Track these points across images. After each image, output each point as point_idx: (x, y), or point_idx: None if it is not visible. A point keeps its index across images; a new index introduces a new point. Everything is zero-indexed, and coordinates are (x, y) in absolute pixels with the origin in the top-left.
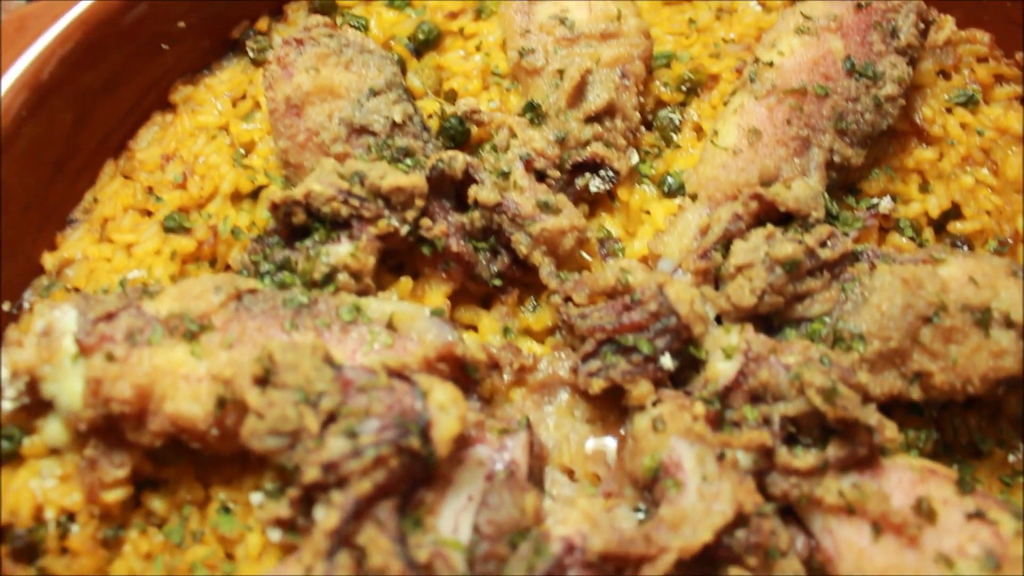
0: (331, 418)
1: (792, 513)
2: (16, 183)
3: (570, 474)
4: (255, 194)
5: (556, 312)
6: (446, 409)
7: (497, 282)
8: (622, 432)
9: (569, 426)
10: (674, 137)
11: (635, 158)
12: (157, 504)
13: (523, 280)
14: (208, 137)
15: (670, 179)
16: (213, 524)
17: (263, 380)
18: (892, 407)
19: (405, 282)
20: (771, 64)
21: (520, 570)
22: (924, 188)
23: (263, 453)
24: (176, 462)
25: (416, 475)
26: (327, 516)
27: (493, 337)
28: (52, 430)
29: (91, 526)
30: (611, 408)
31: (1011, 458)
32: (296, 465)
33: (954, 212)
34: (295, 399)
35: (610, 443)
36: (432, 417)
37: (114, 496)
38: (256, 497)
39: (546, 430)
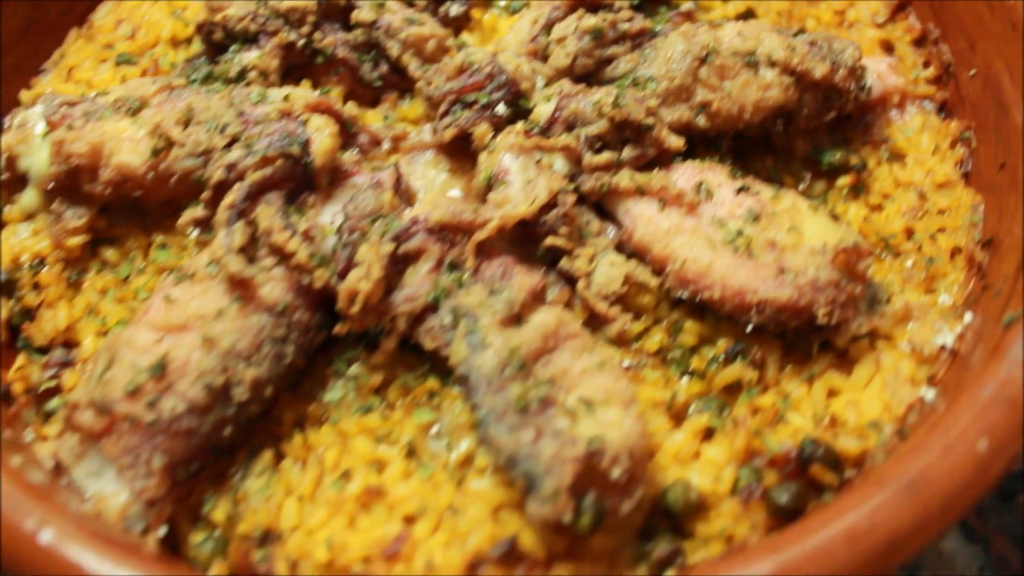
0: (233, 141)
1: (604, 214)
2: None
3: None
4: (189, 41)
5: (420, 93)
6: (321, 130)
7: (379, 83)
8: (475, 172)
9: (433, 175)
10: None
11: None
12: (110, 254)
13: (400, 85)
14: (152, 3)
15: (515, 2)
16: (152, 259)
17: (185, 123)
18: (695, 147)
19: (305, 84)
20: None
21: (375, 236)
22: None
23: (184, 175)
24: (126, 223)
25: (299, 179)
26: (228, 196)
27: (373, 125)
28: (27, 197)
29: (57, 267)
30: (466, 160)
31: (800, 187)
32: (208, 177)
33: (749, 14)
34: (207, 128)
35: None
36: (310, 135)
37: (75, 241)
38: (181, 219)
39: (416, 178)
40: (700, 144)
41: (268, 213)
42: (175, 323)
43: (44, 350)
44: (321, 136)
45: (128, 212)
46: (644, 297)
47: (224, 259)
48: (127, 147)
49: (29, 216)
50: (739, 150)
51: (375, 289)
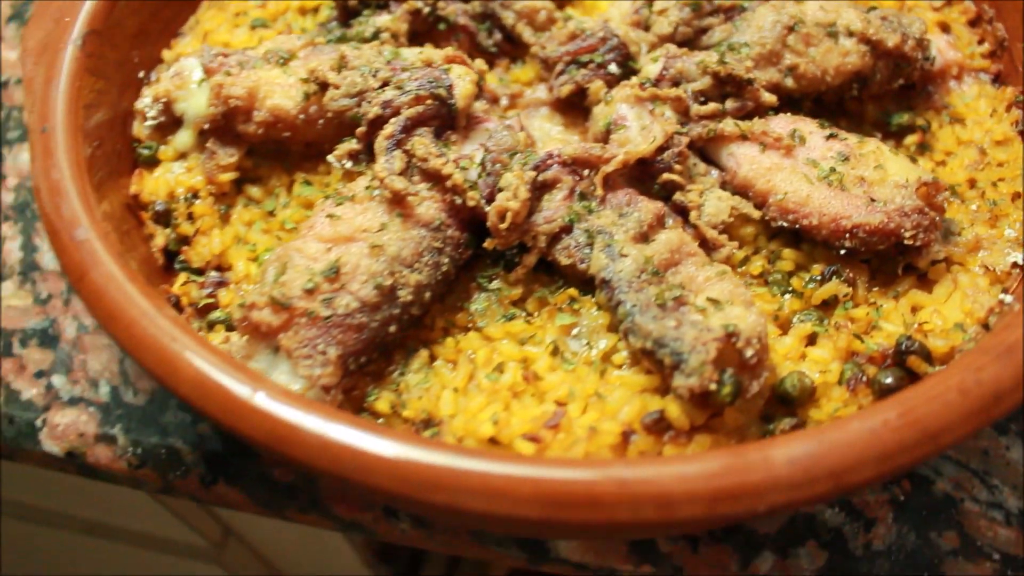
0: (385, 84)
1: (709, 161)
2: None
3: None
4: (316, 10)
5: (534, 57)
6: (462, 77)
7: (494, 50)
8: (587, 125)
9: (548, 127)
10: None
11: None
12: (255, 192)
13: (513, 53)
14: None
15: None
16: (296, 194)
17: (338, 68)
18: (780, 108)
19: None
20: None
21: (517, 165)
22: None
23: (339, 112)
24: (269, 164)
25: (444, 118)
26: (386, 128)
27: (491, 84)
28: (181, 138)
29: (209, 200)
30: (578, 116)
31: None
32: (363, 114)
33: None
34: (361, 72)
35: (578, 139)
36: (454, 81)
37: (227, 177)
38: (331, 156)
39: (532, 130)
40: (784, 106)
41: (423, 143)
42: (343, 235)
43: (199, 271)
44: (463, 82)
45: (271, 155)
46: (746, 228)
47: (387, 180)
48: (280, 92)
49: (182, 156)
50: (816, 113)
51: (522, 208)
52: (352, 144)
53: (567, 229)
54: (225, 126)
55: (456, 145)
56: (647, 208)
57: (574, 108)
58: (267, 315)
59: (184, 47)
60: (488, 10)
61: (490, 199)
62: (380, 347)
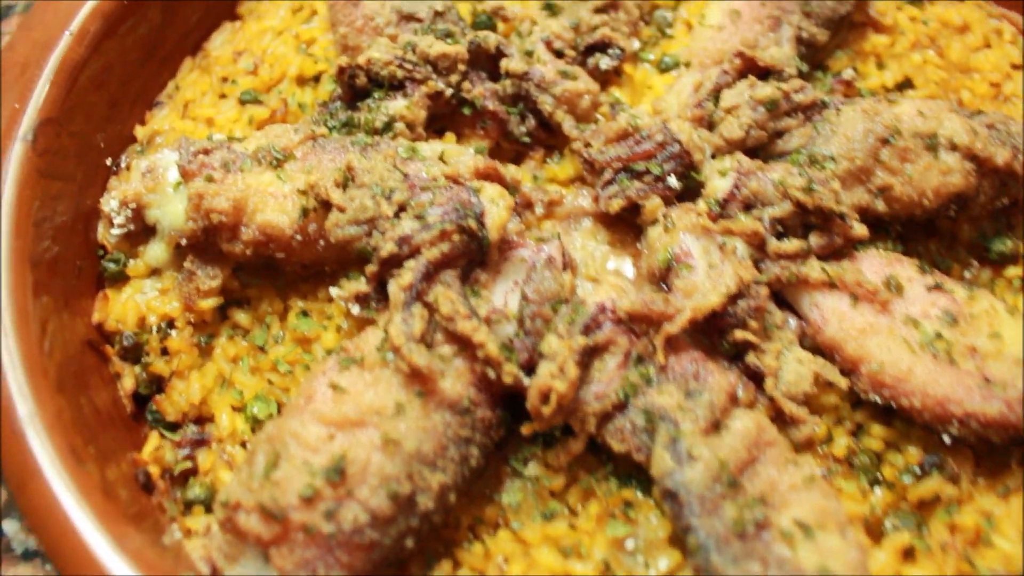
0: (401, 209)
1: (784, 304)
2: (116, 60)
3: (595, 283)
4: (317, 78)
5: (577, 155)
6: (496, 201)
7: (526, 140)
8: (638, 246)
9: (592, 246)
10: (667, 31)
11: (636, 44)
12: (242, 317)
13: (548, 141)
14: (274, 35)
15: (667, 59)
16: (292, 327)
17: (343, 184)
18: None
19: (449, 138)
20: None
21: (562, 326)
22: (880, 66)
23: (344, 242)
24: (259, 284)
25: (472, 255)
26: (402, 275)
27: (524, 186)
28: (154, 251)
29: (187, 331)
30: (628, 232)
31: (967, 274)
32: (373, 247)
33: (907, 84)
34: (372, 193)
35: (627, 263)
36: (485, 207)
37: (208, 304)
38: (334, 289)
39: (573, 250)
40: (869, 225)
41: (449, 297)
42: (349, 417)
43: (175, 425)
44: (497, 209)
45: (262, 271)
46: (829, 396)
47: (404, 349)
48: (272, 204)
49: (155, 272)
50: (905, 235)
51: (570, 390)
52: (360, 285)
53: (621, 406)
54: (207, 243)
55: (486, 288)
56: (718, 387)
57: (621, 221)
58: (255, 523)
59: (161, 121)
60: (522, 91)
61: (529, 365)
62: (393, 564)
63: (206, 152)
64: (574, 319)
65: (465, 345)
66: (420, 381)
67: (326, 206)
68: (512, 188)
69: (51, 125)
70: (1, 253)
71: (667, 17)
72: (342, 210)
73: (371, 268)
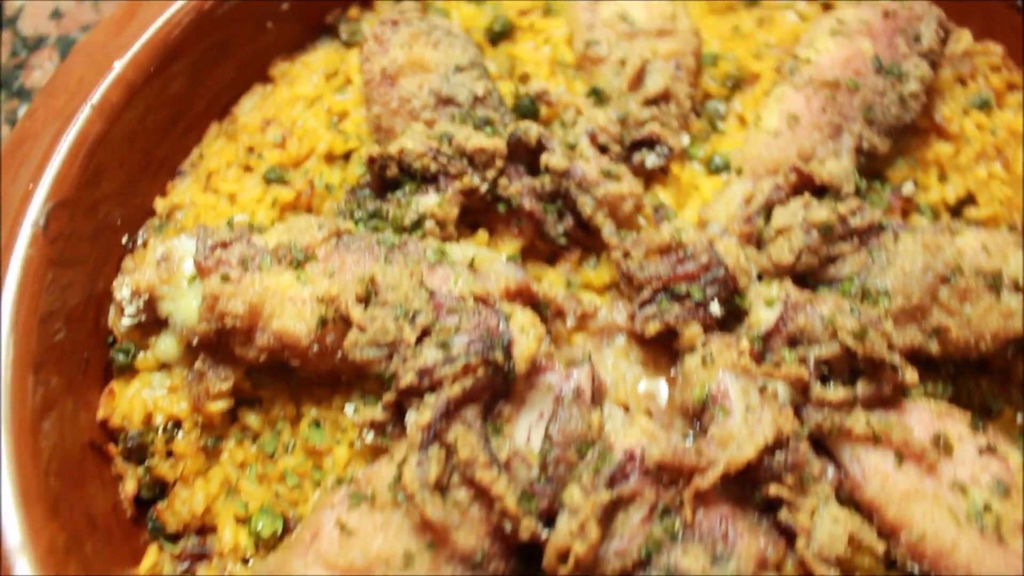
0: (425, 333)
1: (823, 449)
2: (138, 130)
3: (625, 409)
4: (347, 156)
5: (616, 266)
6: (526, 331)
7: (563, 241)
8: (672, 373)
9: (625, 367)
10: (719, 125)
11: (686, 140)
12: (252, 420)
13: (585, 242)
14: (305, 105)
15: (717, 159)
16: (304, 437)
17: (365, 299)
18: (911, 365)
19: (481, 236)
20: (808, 60)
21: (587, 474)
22: (943, 178)
23: (362, 364)
24: (272, 384)
25: (497, 388)
26: (421, 413)
27: (557, 290)
28: (165, 345)
29: (194, 433)
30: (662, 353)
31: (1019, 418)
32: (392, 373)
33: (969, 200)
34: (395, 314)
35: (661, 385)
36: (514, 336)
37: (217, 407)
38: (349, 408)
39: (604, 369)
40: (919, 363)
41: (468, 441)
42: (355, 566)
43: (176, 536)
44: (526, 339)
45: (275, 372)
46: (863, 558)
47: (418, 498)
48: (290, 310)
49: (164, 366)
50: (956, 373)
51: (589, 552)
52: (376, 413)
53: (642, 564)
54: (219, 343)
55: (509, 423)
56: (747, 553)
57: (658, 341)
58: None
59: (182, 193)
60: (561, 190)
61: (548, 514)
62: None
63: (224, 246)
64: (600, 467)
65: (482, 493)
66: (432, 531)
67: (346, 322)
68: (545, 307)
69: (65, 208)
70: (1, 364)
71: (720, 110)
72: (362, 329)
73: (388, 397)
